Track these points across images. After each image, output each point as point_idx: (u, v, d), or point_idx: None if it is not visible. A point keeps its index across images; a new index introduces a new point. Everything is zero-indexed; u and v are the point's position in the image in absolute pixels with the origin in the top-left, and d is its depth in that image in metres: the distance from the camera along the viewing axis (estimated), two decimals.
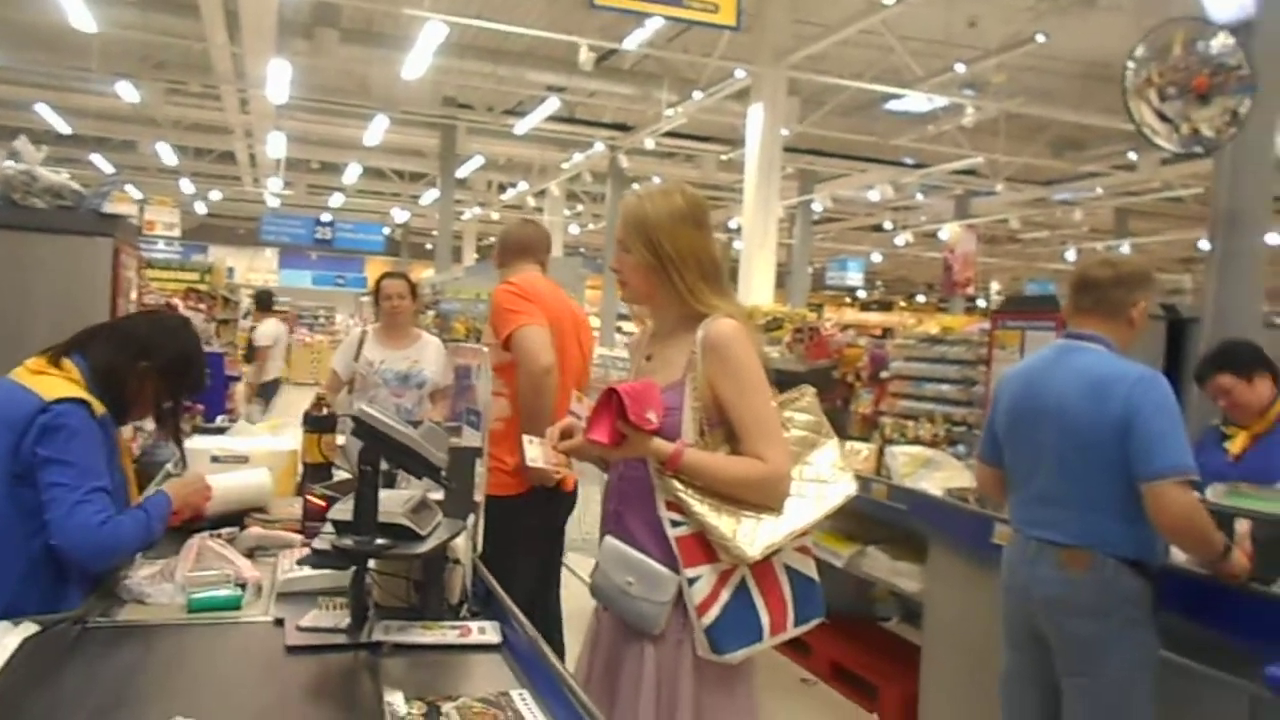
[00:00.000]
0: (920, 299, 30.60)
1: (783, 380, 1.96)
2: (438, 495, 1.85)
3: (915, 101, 11.66)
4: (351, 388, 4.26)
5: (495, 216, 22.67)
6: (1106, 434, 2.19)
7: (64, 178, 2.99)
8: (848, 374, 5.90)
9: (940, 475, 3.58)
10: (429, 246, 25.33)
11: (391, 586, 1.77)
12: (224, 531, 2.09)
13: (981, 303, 20.58)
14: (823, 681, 4.16)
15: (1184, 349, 4.09)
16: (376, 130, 14.53)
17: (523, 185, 19.72)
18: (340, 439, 2.76)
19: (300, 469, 2.63)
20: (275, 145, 15.48)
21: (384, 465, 1.66)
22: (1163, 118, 3.95)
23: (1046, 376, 2.39)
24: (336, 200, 23.13)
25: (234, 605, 1.75)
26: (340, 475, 2.57)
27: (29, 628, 1.43)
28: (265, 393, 9.09)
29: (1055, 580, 2.28)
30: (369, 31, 11.72)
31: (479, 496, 1.98)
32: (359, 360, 4.25)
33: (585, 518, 3.47)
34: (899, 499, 3.59)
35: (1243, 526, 2.40)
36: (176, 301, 6.98)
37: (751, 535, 1.71)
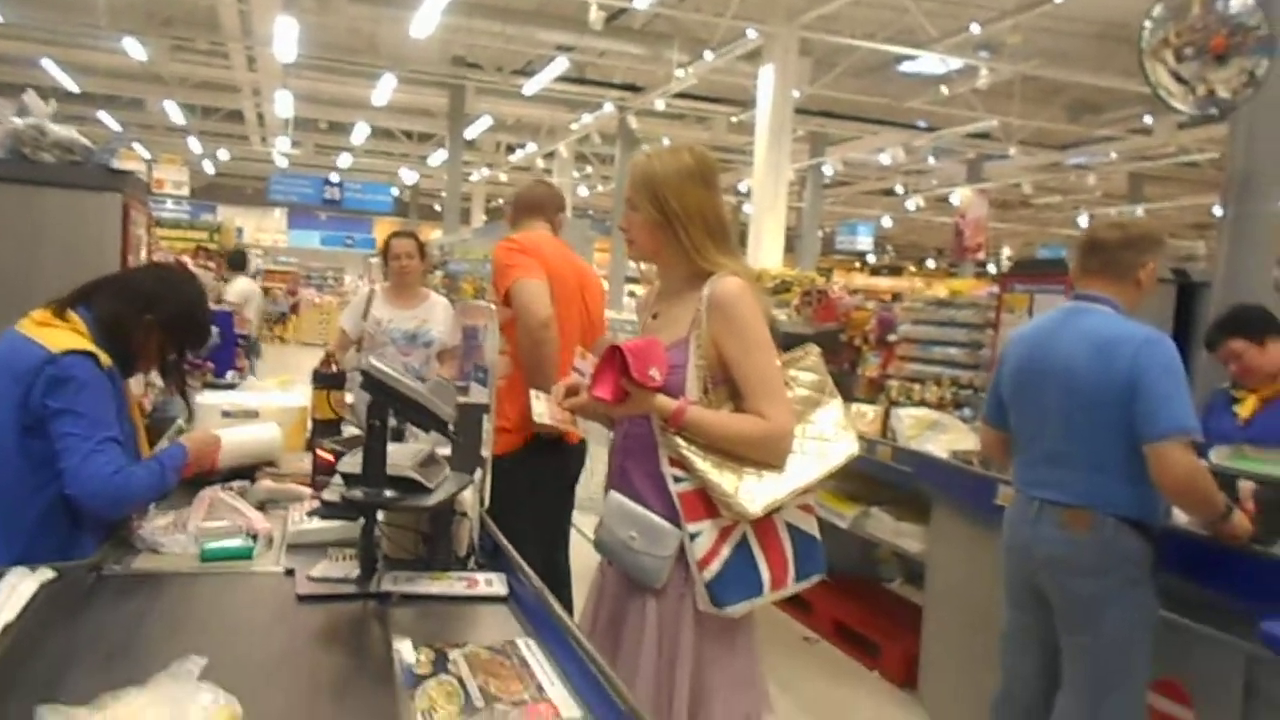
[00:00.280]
0: (930, 264, 30.42)
1: (790, 343, 1.97)
2: (446, 451, 1.88)
3: (929, 63, 11.51)
4: (360, 347, 4.28)
5: (504, 178, 22.55)
6: (1112, 395, 2.20)
7: (73, 133, 2.99)
8: (855, 337, 5.91)
9: (945, 438, 3.60)
10: (437, 208, 25.24)
11: (400, 539, 1.80)
12: (235, 484, 2.12)
13: (992, 268, 20.45)
14: (825, 640, 4.22)
15: (1194, 313, 4.08)
16: (385, 90, 14.42)
17: (531, 147, 19.58)
18: (349, 396, 2.79)
19: (310, 425, 2.66)
20: (283, 104, 15.39)
21: (392, 421, 1.68)
22: (1179, 79, 3.89)
23: (1053, 338, 2.39)
24: (345, 160, 23.04)
25: (245, 555, 1.78)
26: (349, 431, 2.60)
27: (46, 573, 1.46)
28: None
29: (1057, 540, 2.30)
30: None
31: (486, 453, 2.01)
32: (367, 319, 4.26)
33: (593, 478, 3.49)
34: (904, 461, 3.61)
35: (1245, 488, 2.42)
36: (186, 259, 6.98)
37: (753, 492, 1.72)
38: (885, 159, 15.99)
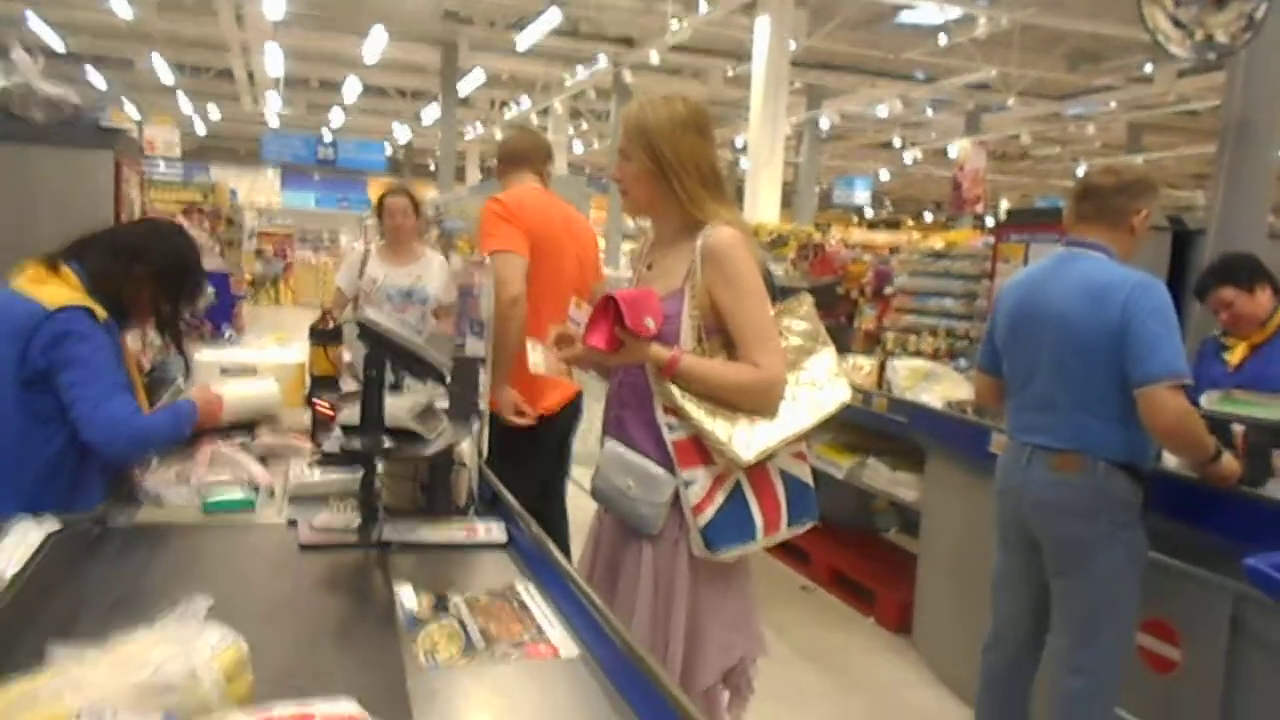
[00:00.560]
0: (928, 218, 30.26)
1: (786, 297, 1.98)
2: (444, 404, 1.90)
3: (927, 13, 11.36)
4: (356, 305, 4.29)
5: (498, 135, 22.33)
6: (1104, 339, 2.22)
7: (63, 90, 2.97)
8: (851, 290, 5.91)
9: (940, 388, 3.63)
10: (431, 166, 25.04)
11: (399, 489, 1.82)
12: (236, 438, 2.14)
13: (990, 221, 20.37)
14: (821, 589, 4.29)
15: (1188, 261, 4.08)
16: (376, 46, 14.23)
17: (526, 103, 19.38)
18: (347, 355, 2.80)
19: (308, 381, 2.67)
20: (273, 61, 15.19)
21: (390, 378, 1.70)
22: (1177, 23, 3.86)
23: (1046, 284, 2.40)
24: (337, 118, 22.80)
25: (248, 506, 1.81)
26: (347, 387, 2.62)
27: (52, 524, 1.49)
28: None
29: (1047, 483, 2.34)
30: None
31: (484, 405, 2.03)
32: (363, 278, 4.27)
33: (591, 432, 3.52)
34: (899, 411, 3.64)
35: (1237, 431, 2.45)
36: (181, 219, 6.96)
37: (747, 439, 1.75)
38: (883, 111, 15.85)
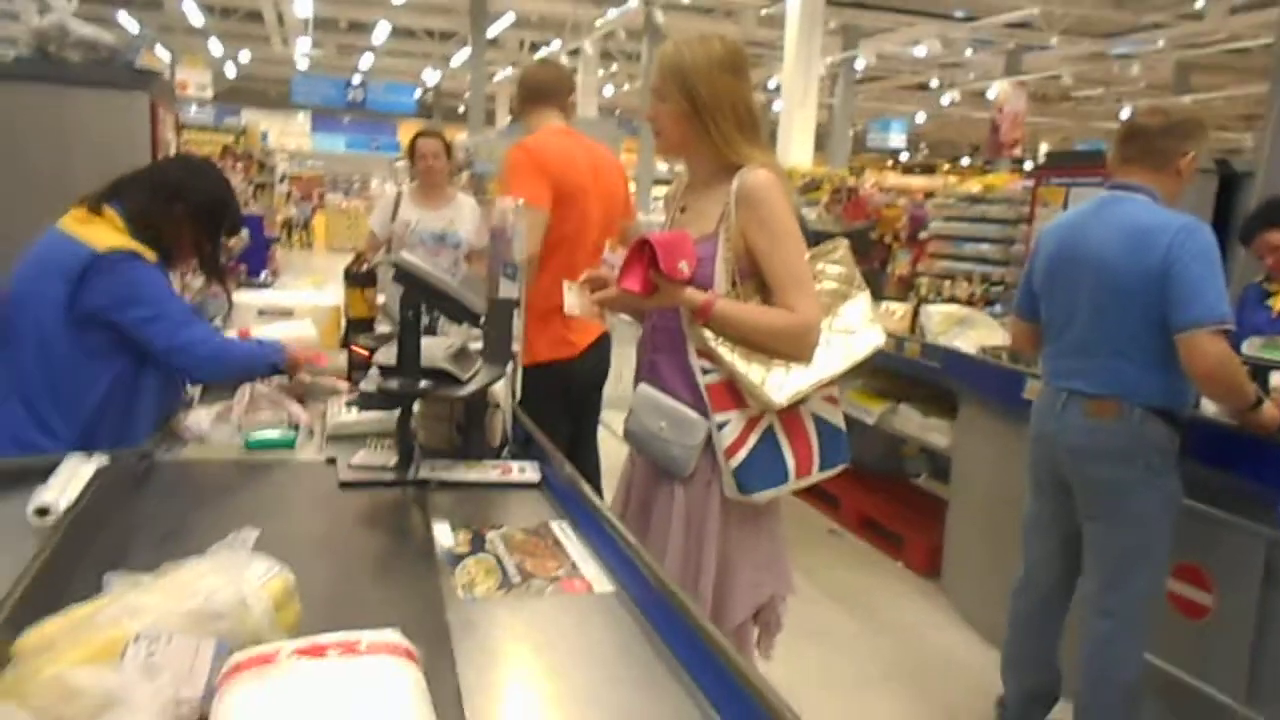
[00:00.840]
0: (965, 162, 29.66)
1: (819, 242, 1.96)
2: (478, 345, 1.91)
3: None
4: (389, 248, 4.31)
5: None
6: (1144, 282, 2.18)
7: (98, 30, 2.97)
8: (885, 235, 5.84)
9: (974, 333, 3.59)
10: (461, 110, 24.87)
11: (435, 429, 1.85)
12: (274, 379, 2.18)
13: (1029, 165, 19.92)
14: (850, 533, 4.32)
15: (1235, 205, 3.98)
16: None
17: (556, 44, 19.11)
18: (381, 297, 2.82)
19: (343, 323, 2.70)
20: (302, 3, 15.07)
21: (425, 319, 1.71)
22: None
23: (1087, 227, 2.35)
24: (367, 61, 22.66)
25: (289, 444, 1.85)
26: (383, 329, 2.64)
27: (101, 459, 1.53)
28: None
29: (1083, 428, 2.32)
30: None
31: (517, 347, 2.04)
32: (395, 221, 4.28)
33: (621, 381, 3.53)
34: (932, 357, 3.62)
35: (1276, 379, 2.41)
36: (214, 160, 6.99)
37: (780, 383, 1.75)
38: (920, 51, 15.45)
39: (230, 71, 23.95)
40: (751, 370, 1.75)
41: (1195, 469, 2.35)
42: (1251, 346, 2.63)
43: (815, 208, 6.31)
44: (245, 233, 4.17)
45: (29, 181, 2.95)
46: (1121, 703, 2.33)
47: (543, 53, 20.20)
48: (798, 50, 10.23)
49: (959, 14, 14.65)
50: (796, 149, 10.13)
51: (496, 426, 1.90)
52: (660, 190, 15.45)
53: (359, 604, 1.23)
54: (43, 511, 1.35)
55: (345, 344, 2.54)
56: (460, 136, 17.70)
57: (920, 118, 24.05)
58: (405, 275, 1.67)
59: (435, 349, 1.70)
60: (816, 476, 1.85)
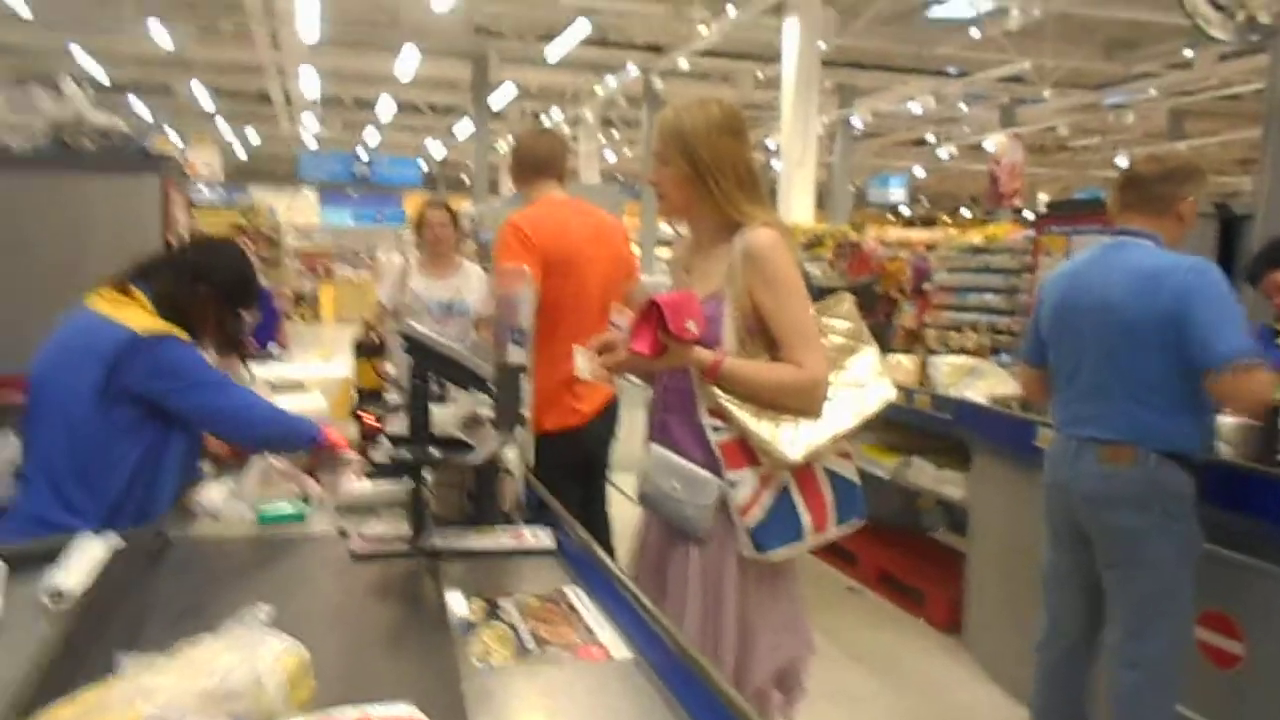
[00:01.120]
0: (965, 214, 29.89)
1: (823, 297, 1.97)
2: (488, 412, 1.91)
3: (957, 6, 11.24)
4: (397, 319, 4.34)
5: None
6: (1154, 324, 2.18)
7: (112, 118, 3.05)
8: (890, 288, 5.87)
9: (984, 383, 3.59)
10: (465, 180, 25.26)
11: (447, 498, 1.84)
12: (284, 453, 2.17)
13: (1029, 215, 20.07)
14: (869, 590, 4.25)
15: (1237, 247, 4.00)
16: (408, 63, 14.42)
17: (557, 113, 19.49)
18: (390, 368, 2.83)
19: (354, 395, 2.72)
20: (309, 82, 15.46)
21: (434, 389, 1.72)
22: (1217, 6, 3.79)
23: (1093, 274, 2.36)
24: (372, 137, 23.12)
25: (300, 518, 1.85)
26: (392, 401, 2.65)
27: (115, 540, 1.53)
28: None
29: (1098, 475, 2.30)
30: None
31: (527, 412, 2.04)
32: (404, 292, 4.31)
33: (631, 437, 3.53)
34: (943, 408, 3.61)
35: None
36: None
37: (792, 439, 1.75)
38: (916, 108, 15.73)
39: (241, 153, 24.45)
40: (763, 427, 1.75)
41: (1216, 514, 2.32)
42: None
43: (819, 264, 6.36)
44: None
45: (43, 264, 3.00)
46: None
47: (545, 123, 20.61)
48: (795, 111, 10.42)
49: (952, 70, 14.92)
50: (797, 207, 10.24)
51: (508, 492, 1.89)
52: (663, 251, 15.60)
53: (373, 677, 1.22)
54: (56, 595, 1.34)
55: (356, 415, 2.55)
56: (465, 205, 17.97)
57: (919, 172, 24.32)
58: (414, 343, 1.69)
59: (446, 417, 1.71)
60: (833, 533, 1.83)
